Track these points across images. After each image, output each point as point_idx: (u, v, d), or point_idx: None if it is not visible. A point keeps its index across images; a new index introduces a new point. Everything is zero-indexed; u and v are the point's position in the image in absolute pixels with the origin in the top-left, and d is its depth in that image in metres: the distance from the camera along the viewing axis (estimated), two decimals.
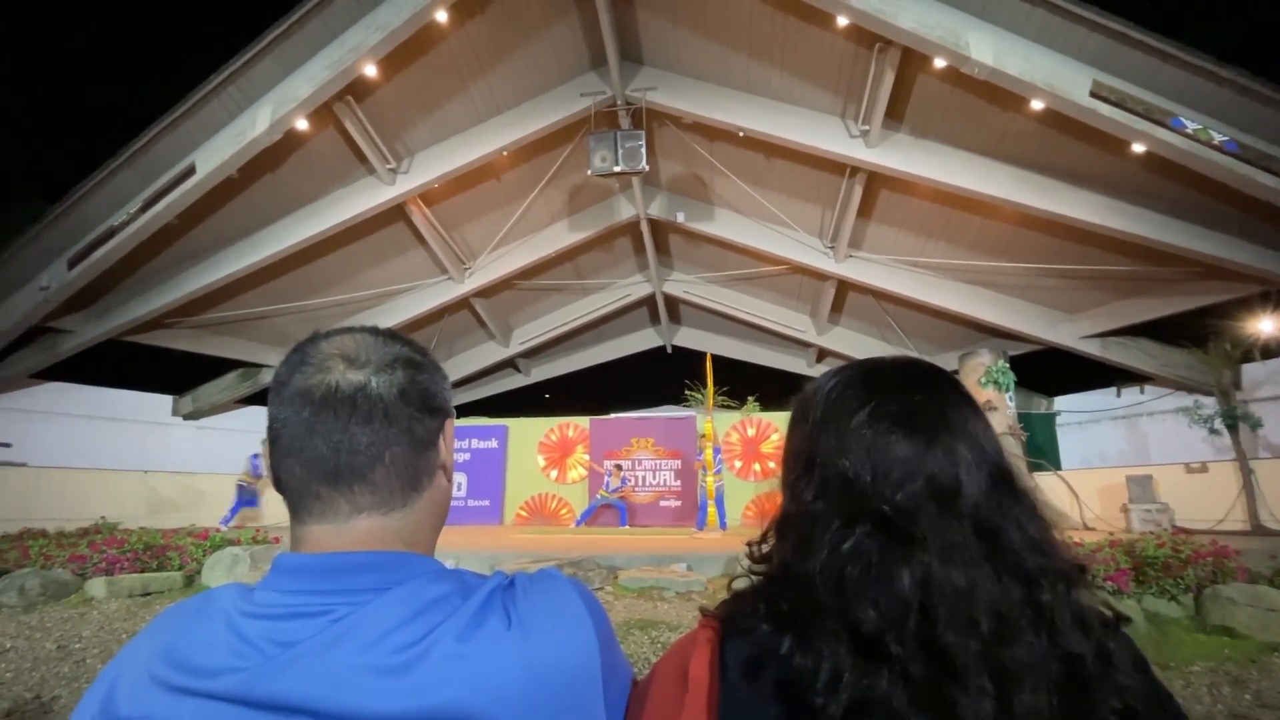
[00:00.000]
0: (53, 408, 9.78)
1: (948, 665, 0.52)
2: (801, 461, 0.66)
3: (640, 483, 10.91)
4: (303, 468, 0.59)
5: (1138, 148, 5.99)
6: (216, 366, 11.08)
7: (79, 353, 9.15)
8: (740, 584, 0.69)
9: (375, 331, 0.66)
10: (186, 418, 11.28)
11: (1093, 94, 5.67)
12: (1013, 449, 8.93)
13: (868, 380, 0.67)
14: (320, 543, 0.59)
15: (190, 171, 6.98)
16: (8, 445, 9.03)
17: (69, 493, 9.32)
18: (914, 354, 0.73)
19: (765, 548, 0.69)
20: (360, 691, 0.49)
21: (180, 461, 10.88)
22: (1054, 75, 5.69)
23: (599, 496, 10.29)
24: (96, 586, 5.44)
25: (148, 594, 5.54)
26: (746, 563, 0.71)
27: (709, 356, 10.16)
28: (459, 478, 11.15)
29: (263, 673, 0.50)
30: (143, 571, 5.80)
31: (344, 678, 0.49)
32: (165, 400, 11.24)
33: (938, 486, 0.59)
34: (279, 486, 0.61)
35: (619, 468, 10.53)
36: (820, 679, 0.55)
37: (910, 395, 0.64)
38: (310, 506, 0.60)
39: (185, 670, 0.52)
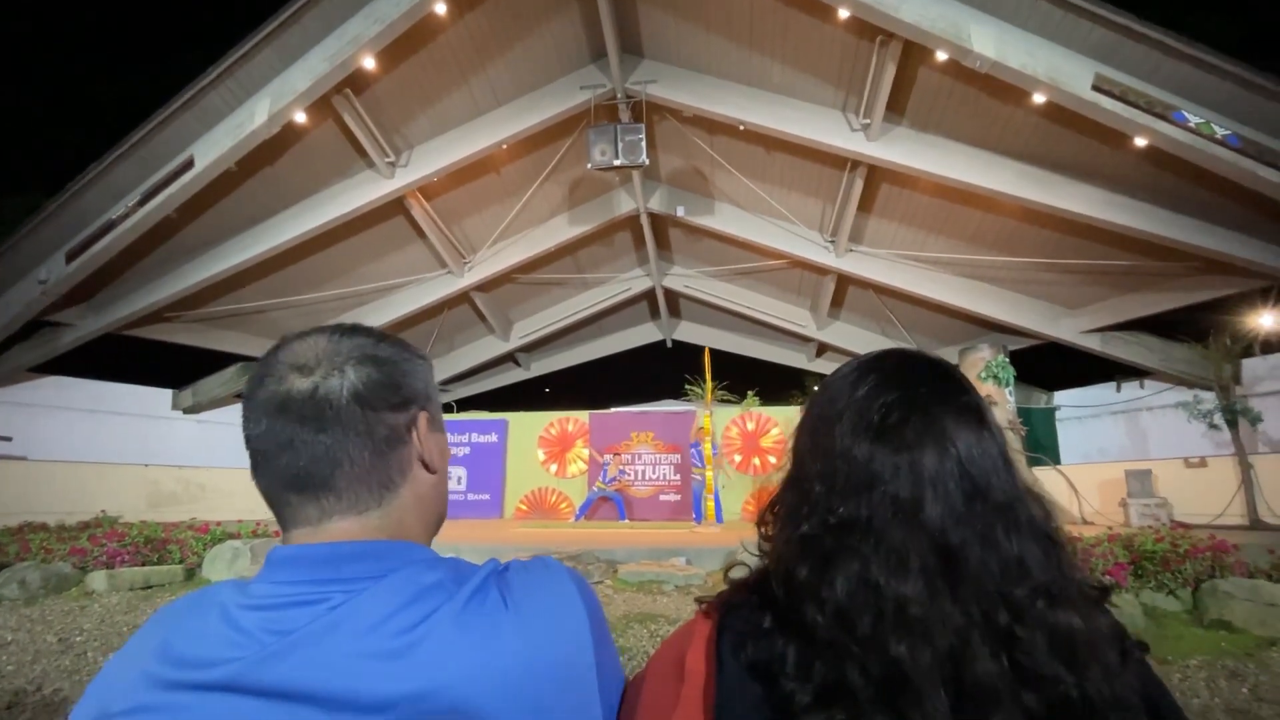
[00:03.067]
0: (53, 402, 9.78)
1: (899, 675, 0.51)
2: (790, 451, 0.68)
3: (639, 477, 10.92)
4: (270, 479, 0.60)
5: (1139, 142, 5.96)
6: (217, 360, 11.05)
7: (79, 346, 9.14)
8: (737, 573, 0.69)
9: (331, 330, 0.64)
10: (186, 411, 11.27)
11: (1095, 87, 5.64)
12: (1012, 444, 8.91)
13: (858, 380, 0.65)
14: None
15: (189, 164, 6.95)
16: (8, 439, 9.04)
17: (70, 486, 9.32)
18: (914, 349, 0.71)
19: (767, 530, 0.69)
20: (357, 676, 0.49)
21: (181, 455, 10.88)
22: (1056, 68, 5.66)
23: (596, 488, 10.29)
24: (97, 580, 5.46)
25: (149, 587, 5.56)
26: (745, 555, 0.72)
27: (707, 351, 10.16)
28: (459, 471, 11.13)
29: (260, 661, 0.51)
30: (143, 565, 5.81)
31: (341, 663, 0.50)
32: (165, 394, 11.24)
33: (896, 499, 0.57)
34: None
35: (618, 456, 10.57)
36: (789, 663, 0.55)
37: (891, 400, 0.61)
38: (284, 514, 0.61)
39: (182, 664, 0.52)
